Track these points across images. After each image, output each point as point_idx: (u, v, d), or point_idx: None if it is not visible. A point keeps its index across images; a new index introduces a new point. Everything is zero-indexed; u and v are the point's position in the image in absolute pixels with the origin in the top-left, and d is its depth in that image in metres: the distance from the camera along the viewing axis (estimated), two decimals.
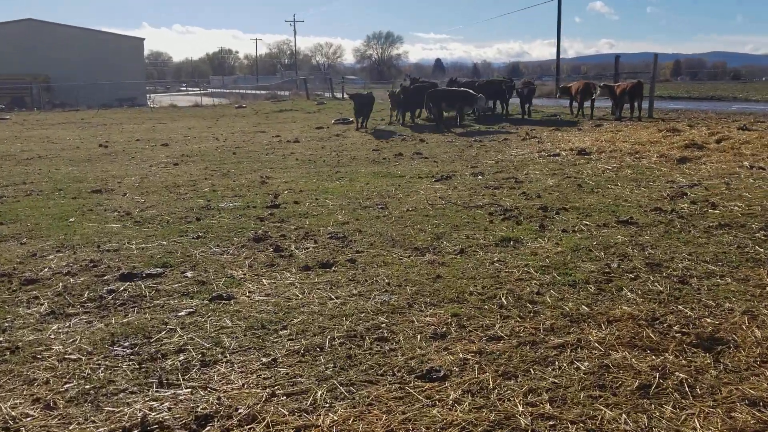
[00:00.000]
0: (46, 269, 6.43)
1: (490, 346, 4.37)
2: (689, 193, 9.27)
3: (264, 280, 6.00)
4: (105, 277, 6.19)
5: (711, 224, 7.46)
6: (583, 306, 5.06)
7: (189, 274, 6.26)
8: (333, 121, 26.35)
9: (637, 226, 7.55)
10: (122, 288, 5.83)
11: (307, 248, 7.12)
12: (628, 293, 5.33)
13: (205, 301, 5.46)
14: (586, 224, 7.77)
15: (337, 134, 21.33)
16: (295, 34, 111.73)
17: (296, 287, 5.77)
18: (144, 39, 68.94)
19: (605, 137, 16.23)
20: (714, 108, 28.43)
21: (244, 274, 6.20)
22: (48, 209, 9.51)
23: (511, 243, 7.03)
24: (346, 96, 55.68)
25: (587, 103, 23.02)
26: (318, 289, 5.71)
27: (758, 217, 7.73)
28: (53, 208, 9.57)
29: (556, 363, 4.14)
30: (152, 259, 6.75)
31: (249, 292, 5.70)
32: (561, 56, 53.87)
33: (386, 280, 5.85)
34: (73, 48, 59.94)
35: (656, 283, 5.57)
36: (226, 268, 6.42)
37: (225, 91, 78.36)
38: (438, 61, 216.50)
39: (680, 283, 5.55)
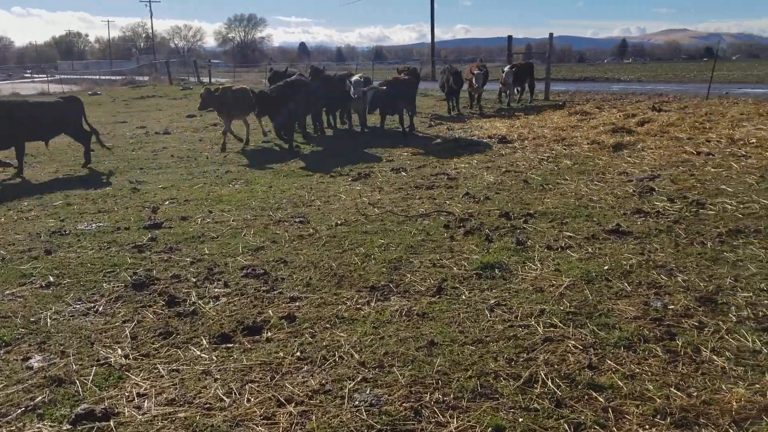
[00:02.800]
0: None
1: None
2: (657, 188, 7.98)
3: (161, 368, 3.82)
4: None
5: (720, 231, 6.10)
6: (675, 391, 3.35)
7: (36, 360, 3.94)
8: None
9: (634, 238, 6.04)
10: None
11: (216, 297, 4.95)
12: (715, 357, 3.71)
13: (66, 427, 3.22)
14: (570, 236, 6.18)
15: (214, 123, 18.66)
16: (151, 15, 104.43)
17: (216, 380, 3.65)
18: None
19: (519, 122, 14.97)
20: (597, 89, 28.43)
21: (126, 357, 3.97)
22: None
23: (497, 271, 5.26)
24: (216, 81, 52.01)
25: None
26: (253, 383, 3.62)
27: (765, 219, 6.48)
28: None
29: None
30: None
31: (139, 396, 3.50)
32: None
33: (356, 356, 3.86)
34: None
35: (737, 335, 3.99)
36: (96, 345, 4.15)
37: (76, 77, 70.90)
38: (302, 44, 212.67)
39: (765, 330, 4.02)
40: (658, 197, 7.58)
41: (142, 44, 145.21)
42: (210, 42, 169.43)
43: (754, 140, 10.59)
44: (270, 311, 4.61)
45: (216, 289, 5.12)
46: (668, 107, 15.81)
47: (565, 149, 11.29)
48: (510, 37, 22.89)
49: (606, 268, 5.19)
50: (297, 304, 4.75)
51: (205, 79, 52.49)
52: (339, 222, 7.05)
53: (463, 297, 4.75)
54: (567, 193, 8.03)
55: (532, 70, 21.31)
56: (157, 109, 24.92)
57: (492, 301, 4.61)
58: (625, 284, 4.84)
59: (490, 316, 4.36)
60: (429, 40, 50.28)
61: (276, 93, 12.34)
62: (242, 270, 5.52)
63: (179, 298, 4.92)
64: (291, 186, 9.20)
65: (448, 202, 7.86)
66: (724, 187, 7.83)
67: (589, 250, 5.74)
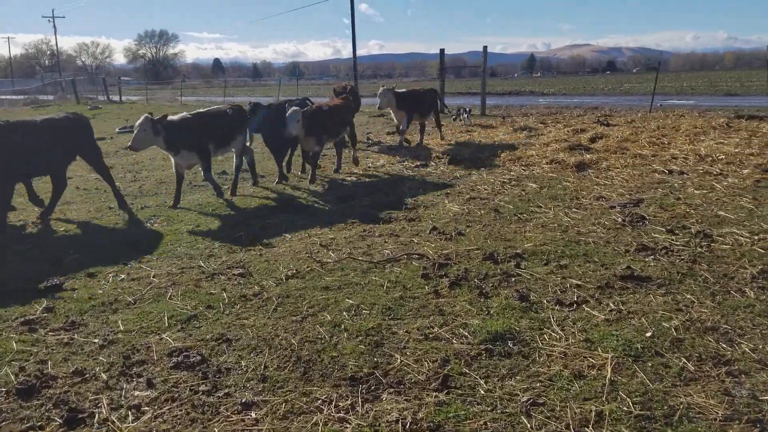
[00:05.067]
0: None
1: None
2: (647, 216, 7.05)
3: None
4: None
5: (751, 273, 5.15)
6: None
7: None
8: (117, 130, 21.48)
9: (657, 285, 5.01)
10: None
11: (137, 407, 3.53)
12: None
13: None
14: (579, 285, 5.09)
15: (126, 147, 16.81)
16: (55, 31, 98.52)
17: None
18: None
19: (465, 140, 13.99)
20: (526, 103, 28.17)
21: None
22: None
23: (511, 344, 4.08)
24: (127, 99, 49.18)
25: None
26: None
27: None
28: None
29: None
30: None
31: None
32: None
33: None
34: None
35: None
36: None
37: None
38: (217, 61, 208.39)
39: None
40: (654, 227, 6.64)
41: (46, 62, 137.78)
42: (119, 59, 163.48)
43: (723, 156, 9.97)
44: (213, 430, 3.24)
45: (136, 392, 3.68)
46: (614, 121, 15.26)
47: (524, 170, 10.34)
48: (442, 50, 22.02)
49: (648, 335, 4.09)
50: (253, 414, 3.39)
51: (115, 98, 49.56)
52: (289, 273, 5.71)
53: (481, 391, 3.52)
54: (548, 225, 6.99)
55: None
56: None
57: (524, 399, 3.40)
58: (684, 360, 3.75)
59: (530, 426, 3.15)
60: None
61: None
62: (171, 356, 4.10)
63: (84, 412, 3.48)
64: (223, 224, 7.77)
65: (415, 240, 6.66)
66: (722, 213, 6.99)
67: (611, 305, 4.64)
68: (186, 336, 4.46)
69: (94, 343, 4.39)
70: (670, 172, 9.34)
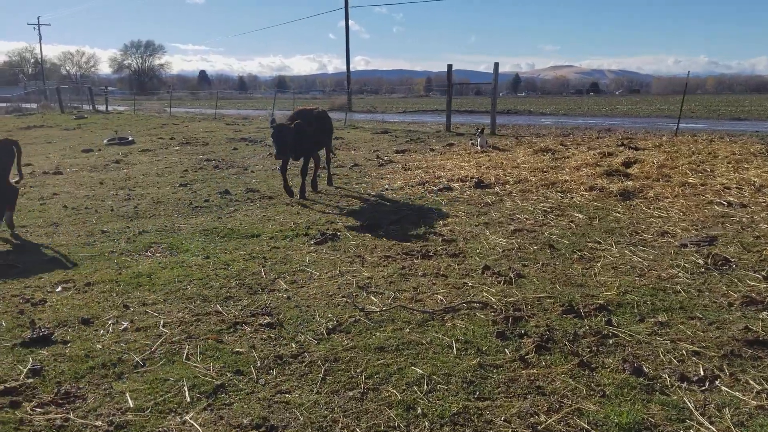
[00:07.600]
0: None
1: None
2: (730, 258, 6.13)
3: None
4: None
5: None
6: None
7: None
8: (106, 141, 20.36)
9: None
10: None
11: None
12: None
13: None
14: (697, 353, 4.12)
15: (116, 160, 15.76)
16: (40, 39, 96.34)
17: None
18: None
19: (486, 162, 13.06)
20: (529, 122, 27.41)
21: None
22: None
23: None
24: (114, 109, 47.92)
25: None
26: None
27: None
28: None
29: None
30: None
31: None
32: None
33: None
34: None
35: None
36: None
37: None
38: (203, 72, 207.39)
39: None
40: (745, 273, 5.71)
41: (30, 70, 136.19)
42: (104, 68, 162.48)
43: None
44: None
45: None
46: (641, 145, 14.42)
47: (562, 197, 9.42)
48: (450, 66, 21.14)
49: None
50: None
51: (101, 107, 48.24)
52: (330, 325, 4.70)
53: None
54: (618, 266, 6.05)
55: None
56: (47, 141, 21.51)
57: None
58: None
59: None
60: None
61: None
62: None
63: None
64: (237, 255, 6.74)
65: (468, 282, 5.67)
66: None
67: (752, 383, 3.69)
68: (216, 419, 3.42)
69: (97, 428, 3.34)
70: (729, 204, 8.46)
